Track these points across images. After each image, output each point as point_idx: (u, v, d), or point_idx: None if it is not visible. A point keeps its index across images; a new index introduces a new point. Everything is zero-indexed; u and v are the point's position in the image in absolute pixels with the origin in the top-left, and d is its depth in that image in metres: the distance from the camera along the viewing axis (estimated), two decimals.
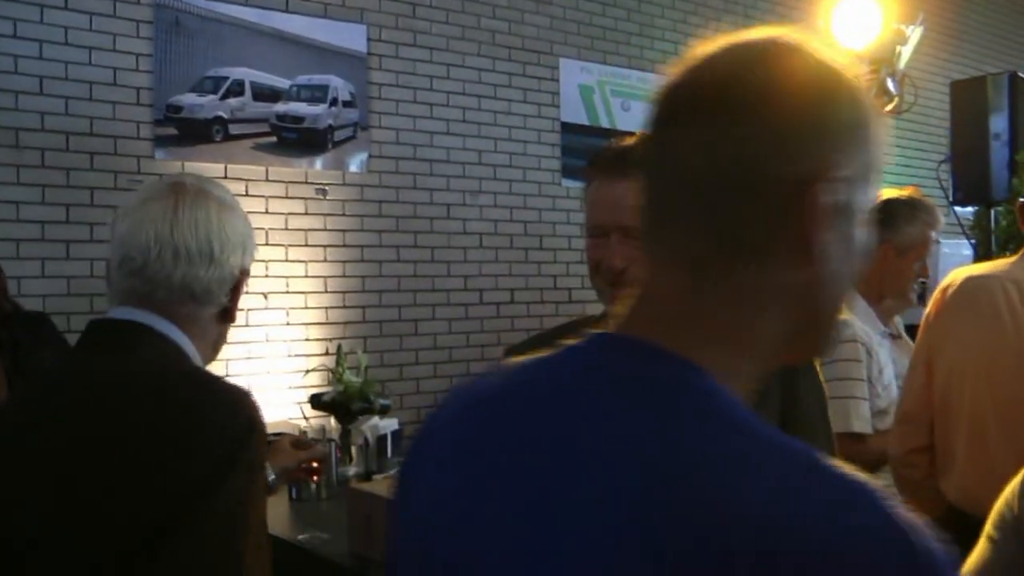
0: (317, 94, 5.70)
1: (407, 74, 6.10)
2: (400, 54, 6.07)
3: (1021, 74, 6.16)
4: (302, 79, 5.65)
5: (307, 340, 5.62)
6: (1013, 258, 2.89)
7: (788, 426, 2.04)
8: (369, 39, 5.92)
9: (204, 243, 1.87)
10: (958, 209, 6.38)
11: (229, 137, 5.37)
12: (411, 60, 6.12)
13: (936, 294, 2.97)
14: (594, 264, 2.03)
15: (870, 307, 3.48)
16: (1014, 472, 2.70)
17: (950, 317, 2.88)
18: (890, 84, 6.31)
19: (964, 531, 2.91)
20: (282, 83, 5.57)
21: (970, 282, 2.89)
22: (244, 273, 1.97)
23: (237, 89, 5.39)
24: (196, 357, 1.87)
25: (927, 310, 3.01)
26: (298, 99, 5.62)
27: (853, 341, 3.32)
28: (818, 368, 2.17)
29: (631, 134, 2.06)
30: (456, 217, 6.26)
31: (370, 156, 5.89)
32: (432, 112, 6.22)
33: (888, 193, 3.75)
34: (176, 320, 1.85)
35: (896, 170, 8.93)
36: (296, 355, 5.55)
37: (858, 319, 3.40)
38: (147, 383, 1.72)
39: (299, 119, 5.64)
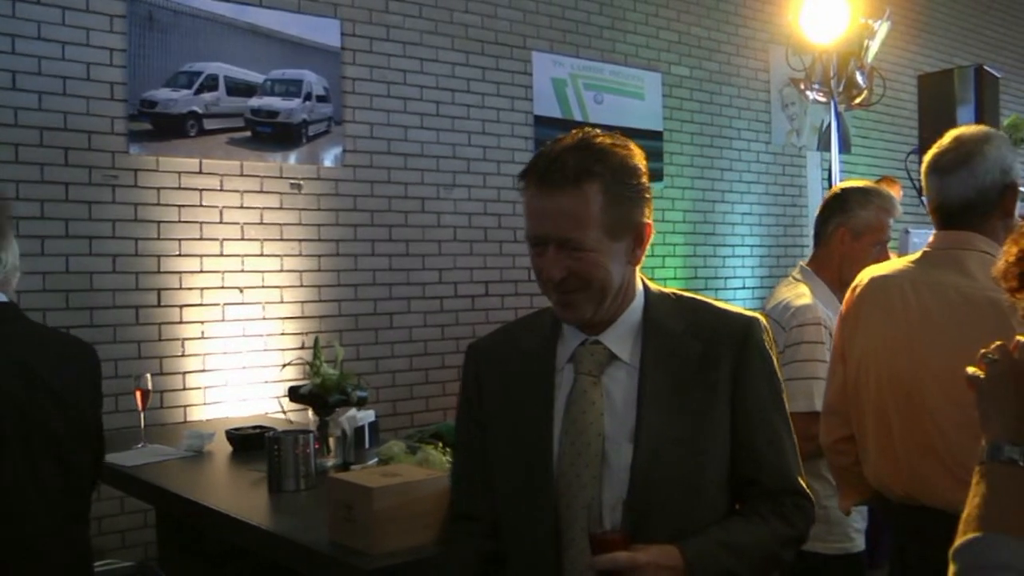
0: (291, 89, 5.71)
1: (381, 68, 6.13)
2: (374, 48, 6.09)
3: (987, 67, 6.26)
4: (276, 74, 5.66)
5: (283, 334, 5.64)
6: (916, 255, 2.96)
7: (739, 411, 2.11)
8: (343, 34, 5.94)
9: None
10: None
11: (204, 132, 5.38)
12: (385, 55, 6.14)
13: (848, 291, 3.06)
14: (536, 272, 2.07)
15: (831, 290, 3.55)
16: (921, 465, 2.78)
17: (857, 311, 2.98)
18: (859, 77, 6.39)
19: (889, 514, 3.01)
20: (256, 78, 5.58)
21: (874, 281, 2.98)
22: None
23: (211, 84, 5.39)
24: None
25: (842, 306, 3.10)
26: (272, 94, 5.63)
27: (816, 323, 3.40)
28: (771, 351, 2.20)
29: (597, 126, 2.10)
30: (431, 211, 6.28)
31: (344, 150, 5.91)
32: (406, 106, 6.24)
33: (843, 184, 3.84)
34: None
35: (866, 161, 9.03)
36: (272, 349, 5.57)
37: (820, 302, 3.48)
38: None
39: (273, 113, 5.65)
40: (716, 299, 2.28)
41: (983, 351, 1.76)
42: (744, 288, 8.12)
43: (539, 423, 2.09)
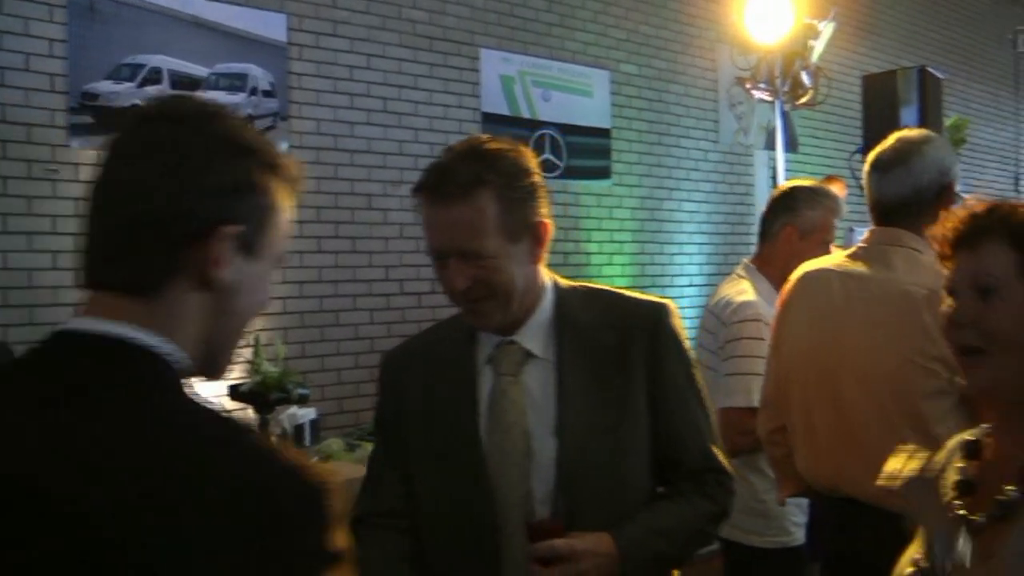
0: (236, 83, 5.66)
1: (327, 64, 6.08)
2: (320, 44, 6.05)
3: (930, 69, 6.32)
4: (221, 68, 5.60)
5: None
6: (850, 251, 3.01)
7: (656, 395, 2.17)
8: (289, 28, 5.89)
9: None
10: None
11: None
12: (331, 50, 6.10)
13: (784, 285, 3.11)
14: (442, 284, 2.10)
15: (774, 288, 3.58)
16: (841, 455, 2.83)
17: (788, 307, 3.06)
18: (804, 77, 6.44)
19: (823, 503, 3.07)
20: (201, 71, 5.52)
21: (805, 276, 3.05)
22: None
23: (155, 77, 5.32)
24: None
25: (777, 301, 3.15)
26: (217, 88, 5.57)
27: (756, 320, 3.44)
28: (682, 334, 2.25)
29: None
30: (377, 207, 6.25)
31: (290, 146, 5.86)
32: (353, 102, 6.20)
33: (791, 183, 3.89)
34: None
35: (811, 160, 9.10)
36: None
37: (762, 299, 3.50)
38: None
39: None
40: (624, 288, 2.34)
41: None
42: (691, 286, 8.15)
43: (465, 425, 2.12)
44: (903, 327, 2.68)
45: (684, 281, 8.11)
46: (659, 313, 2.22)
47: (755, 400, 3.35)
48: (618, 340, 2.16)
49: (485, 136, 2.12)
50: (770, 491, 3.51)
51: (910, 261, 2.80)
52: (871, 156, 3.00)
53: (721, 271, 8.15)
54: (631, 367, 2.15)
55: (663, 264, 8.07)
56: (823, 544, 3.11)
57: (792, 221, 3.61)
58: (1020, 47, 13.28)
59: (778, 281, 3.63)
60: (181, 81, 5.43)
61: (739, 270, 3.78)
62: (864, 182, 3.02)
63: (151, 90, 5.29)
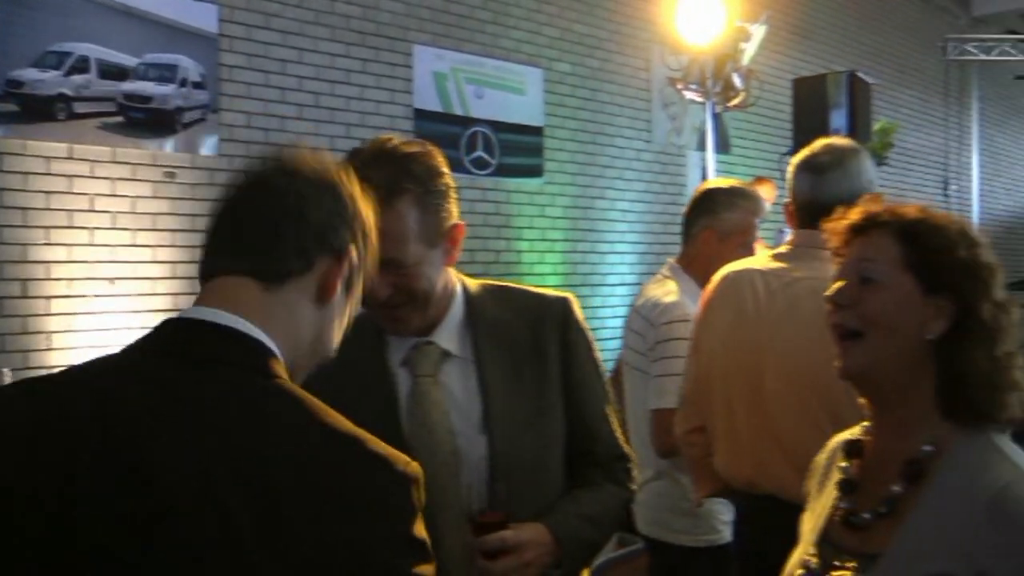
0: (166, 74, 5.59)
1: (259, 57, 6.03)
2: (252, 36, 5.99)
3: (860, 73, 6.41)
4: (150, 58, 5.53)
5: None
6: (776, 251, 3.05)
7: (570, 385, 2.19)
8: (220, 19, 5.83)
9: None
10: None
11: (74, 115, 5.22)
12: (263, 43, 6.04)
13: (707, 285, 3.14)
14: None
15: (699, 288, 3.60)
16: (762, 452, 2.87)
17: (710, 307, 3.09)
18: (736, 79, 6.49)
19: (742, 502, 3.10)
20: (129, 61, 5.44)
21: (727, 276, 3.08)
22: None
23: (82, 65, 5.24)
24: None
25: (699, 301, 3.19)
26: (146, 78, 5.50)
27: (684, 320, 3.44)
28: (586, 328, 2.28)
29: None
30: None
31: (221, 139, 5.80)
32: (284, 96, 6.15)
33: (711, 183, 3.90)
34: None
35: (742, 162, 9.18)
36: None
37: (688, 299, 3.52)
38: None
39: (147, 99, 5.52)
40: (526, 283, 2.37)
41: None
42: (623, 285, 8.19)
43: (388, 428, 1.95)
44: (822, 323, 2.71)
45: (615, 280, 8.16)
46: (567, 306, 2.24)
47: None
48: (530, 334, 2.17)
49: (392, 137, 2.08)
50: None
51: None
52: (800, 158, 3.02)
53: (653, 271, 8.13)
54: (545, 360, 2.17)
55: (595, 263, 8.11)
56: (741, 542, 3.14)
57: (711, 224, 3.61)
58: (949, 55, 13.55)
59: (702, 281, 3.65)
60: (109, 70, 5.35)
61: (664, 270, 3.78)
62: (790, 184, 3.04)
63: (78, 79, 5.21)
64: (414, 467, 1.35)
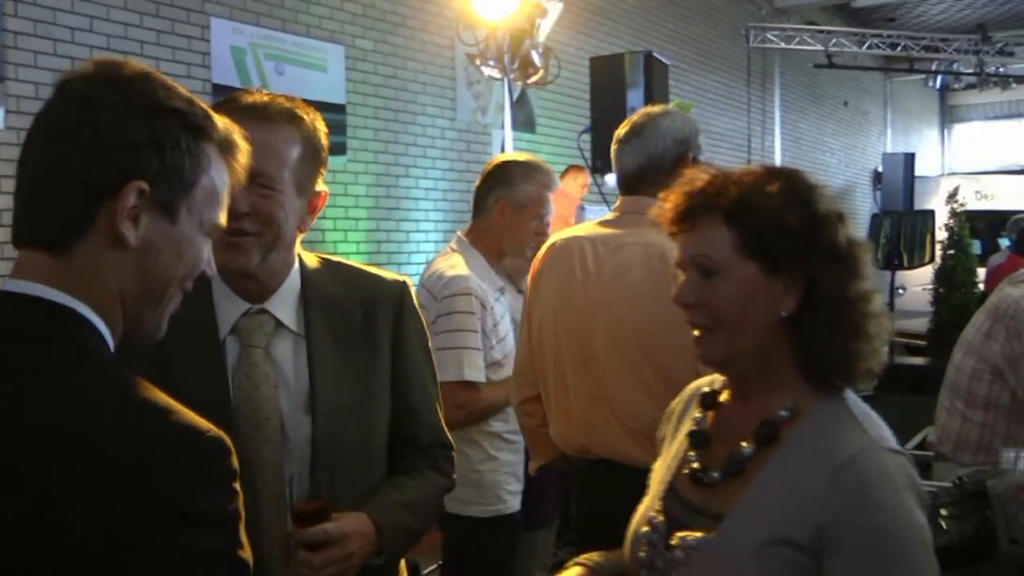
0: None
1: (46, 23, 5.79)
2: (39, 1, 5.75)
3: (656, 54, 6.55)
4: None
5: None
6: (603, 218, 3.17)
7: (399, 370, 2.18)
8: None
9: None
10: (599, 176, 6.76)
11: None
12: (51, 8, 5.80)
13: (537, 254, 3.22)
14: None
15: (488, 263, 3.64)
16: (593, 416, 2.96)
17: (539, 276, 3.16)
18: (535, 57, 6.56)
19: (575, 467, 3.18)
20: None
21: (556, 244, 3.17)
22: None
23: None
24: None
25: (529, 273, 3.25)
26: None
27: (467, 294, 3.48)
28: (421, 314, 2.28)
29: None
30: None
31: (7, 111, 5.57)
32: (75, 66, 5.92)
33: (504, 156, 3.96)
34: None
35: (541, 139, 9.31)
36: None
37: (474, 274, 3.55)
38: None
39: None
40: (365, 264, 2.31)
41: None
42: (428, 263, 8.19)
43: (213, 402, 1.89)
44: (657, 286, 2.74)
45: (420, 259, 8.16)
46: (403, 290, 2.23)
47: (466, 374, 3.41)
48: (364, 315, 2.14)
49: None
50: (485, 461, 3.58)
51: (659, 226, 2.93)
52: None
53: None
54: (376, 342, 2.15)
55: (399, 241, 8.10)
56: (580, 510, 3.19)
57: (506, 195, 3.66)
58: (752, 42, 14.01)
59: (492, 255, 3.70)
60: None
61: (452, 243, 3.81)
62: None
63: None
64: (213, 439, 1.27)
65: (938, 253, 12.85)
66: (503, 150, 6.97)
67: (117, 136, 1.32)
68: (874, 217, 15.71)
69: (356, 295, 2.16)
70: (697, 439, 1.87)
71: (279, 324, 2.08)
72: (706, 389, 1.96)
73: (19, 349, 1.27)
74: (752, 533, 1.67)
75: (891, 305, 12.60)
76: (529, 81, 6.70)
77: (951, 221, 12.36)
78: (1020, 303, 3.77)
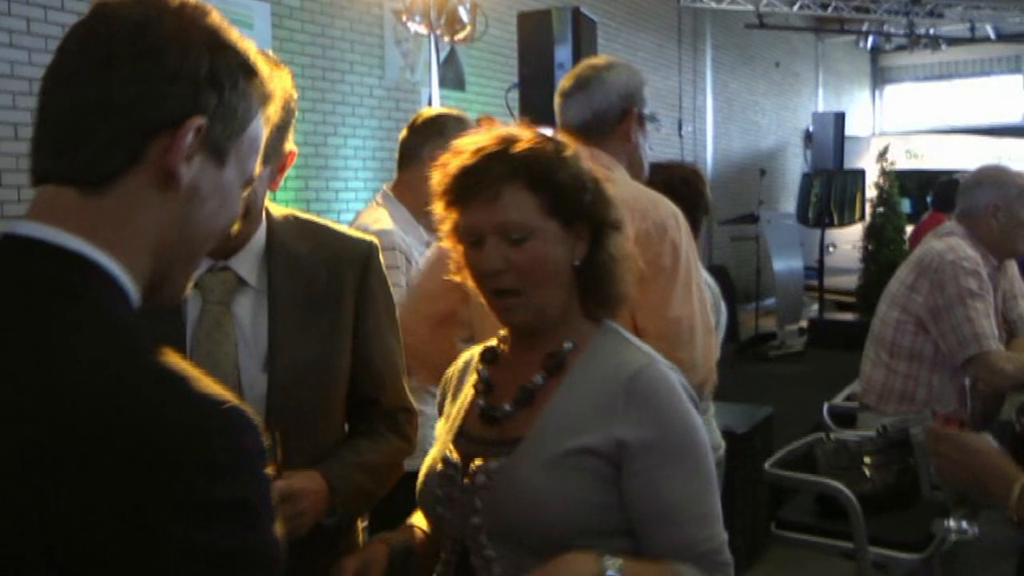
0: None
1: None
2: None
3: (583, 9, 6.51)
4: None
5: None
6: None
7: (362, 331, 2.16)
8: None
9: None
10: None
11: None
12: None
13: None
14: None
15: (415, 217, 3.58)
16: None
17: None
18: (462, 12, 6.50)
19: None
20: None
21: None
22: None
23: None
24: None
25: None
26: None
27: (391, 249, 3.42)
28: (386, 274, 2.26)
29: None
30: (24, 138, 5.88)
31: None
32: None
33: (432, 109, 3.90)
34: None
35: (469, 96, 9.26)
36: None
37: (399, 228, 3.50)
38: None
39: None
40: (333, 221, 2.28)
41: None
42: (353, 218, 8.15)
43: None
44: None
45: (349, 218, 8.02)
46: (370, 250, 2.19)
47: None
48: (329, 273, 2.11)
49: None
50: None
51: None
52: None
53: None
54: (340, 303, 2.12)
55: (329, 200, 8.03)
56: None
57: (443, 146, 3.59)
58: (683, 2, 14.03)
59: (418, 209, 3.64)
60: None
61: (378, 198, 3.75)
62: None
63: None
64: (229, 412, 1.09)
65: (868, 211, 13.02)
66: (431, 104, 6.92)
67: (180, 67, 1.18)
68: (805, 176, 15.90)
69: (322, 253, 2.12)
70: (484, 386, 1.95)
71: (241, 281, 2.04)
72: (484, 346, 2.04)
73: (17, 303, 1.12)
74: (553, 446, 1.77)
75: (821, 262, 12.77)
76: (456, 38, 6.65)
77: (881, 180, 12.53)
78: (943, 256, 3.81)
